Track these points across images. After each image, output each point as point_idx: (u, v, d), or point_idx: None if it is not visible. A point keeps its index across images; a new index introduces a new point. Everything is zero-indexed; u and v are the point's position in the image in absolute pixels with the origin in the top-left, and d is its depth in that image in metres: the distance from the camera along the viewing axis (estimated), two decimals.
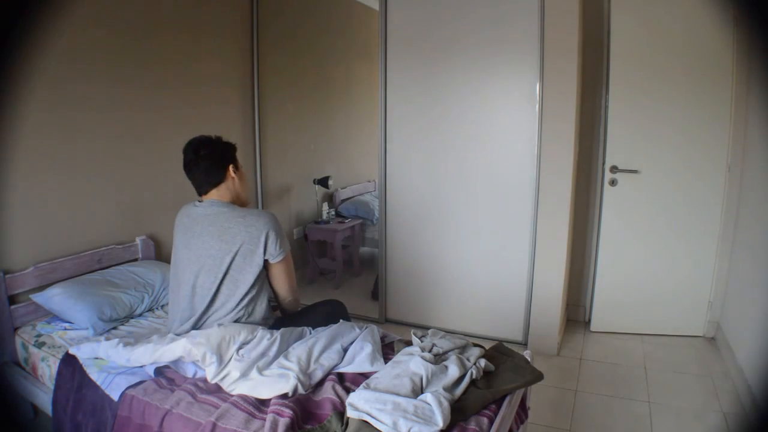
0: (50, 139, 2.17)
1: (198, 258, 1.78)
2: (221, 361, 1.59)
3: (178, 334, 1.78)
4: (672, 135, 2.88)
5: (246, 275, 1.78)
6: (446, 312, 3.12)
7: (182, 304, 1.81)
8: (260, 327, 1.77)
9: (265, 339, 1.68)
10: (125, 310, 2.12)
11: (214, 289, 1.77)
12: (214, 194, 1.84)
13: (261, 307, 1.84)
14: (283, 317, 1.97)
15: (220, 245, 1.76)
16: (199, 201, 1.88)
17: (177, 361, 1.68)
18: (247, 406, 1.47)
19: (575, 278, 3.25)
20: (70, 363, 1.77)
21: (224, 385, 1.57)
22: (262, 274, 1.83)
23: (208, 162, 1.81)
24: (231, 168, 1.86)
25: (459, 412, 1.42)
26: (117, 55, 2.41)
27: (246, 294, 1.79)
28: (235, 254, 1.76)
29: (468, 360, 1.63)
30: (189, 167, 1.83)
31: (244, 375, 1.57)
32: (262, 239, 1.76)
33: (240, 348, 1.64)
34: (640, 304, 3.07)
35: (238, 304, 1.79)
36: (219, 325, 1.74)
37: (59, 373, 1.78)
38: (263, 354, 1.64)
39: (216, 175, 1.83)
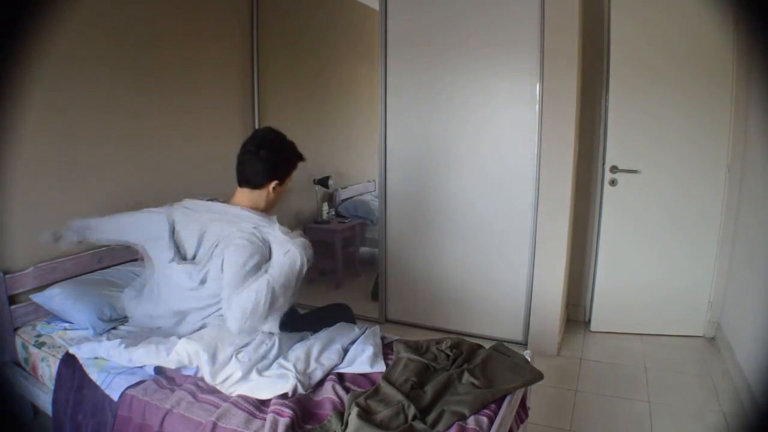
0: (50, 141, 2.17)
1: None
2: (215, 361, 1.58)
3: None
4: (672, 135, 2.88)
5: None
6: (446, 312, 3.11)
7: None
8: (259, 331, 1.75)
9: (264, 342, 1.68)
10: (125, 311, 2.12)
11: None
12: (246, 193, 1.81)
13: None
14: (287, 322, 1.89)
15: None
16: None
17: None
18: (248, 405, 1.47)
19: (575, 278, 3.25)
20: (70, 363, 1.77)
21: (224, 388, 1.56)
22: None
23: (259, 165, 1.77)
24: (274, 184, 1.80)
25: (457, 413, 1.42)
26: (116, 58, 2.41)
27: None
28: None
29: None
30: (242, 158, 1.79)
31: (245, 377, 1.56)
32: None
33: (239, 352, 1.63)
34: (640, 304, 3.07)
35: None
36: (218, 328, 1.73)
37: (59, 373, 1.78)
38: (264, 357, 1.63)
39: (258, 180, 1.79)
